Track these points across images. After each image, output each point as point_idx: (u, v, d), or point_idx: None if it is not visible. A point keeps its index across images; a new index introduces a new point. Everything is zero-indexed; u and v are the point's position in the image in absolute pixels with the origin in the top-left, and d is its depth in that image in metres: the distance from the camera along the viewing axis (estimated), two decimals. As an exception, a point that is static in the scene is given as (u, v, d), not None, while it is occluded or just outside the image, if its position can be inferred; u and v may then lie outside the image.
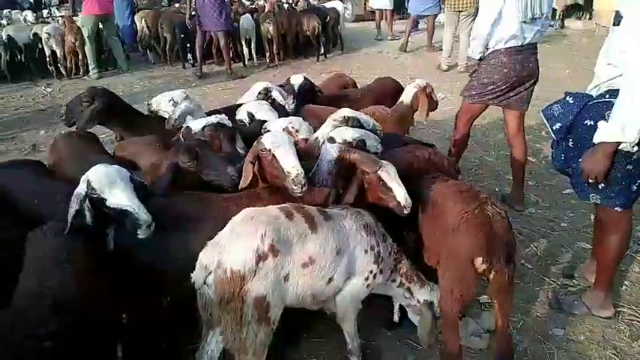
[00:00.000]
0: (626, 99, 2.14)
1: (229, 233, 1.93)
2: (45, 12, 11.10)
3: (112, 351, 1.95)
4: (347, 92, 4.70)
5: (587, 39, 11.34)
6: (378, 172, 2.24)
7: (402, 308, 2.55)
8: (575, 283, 3.08)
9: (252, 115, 3.31)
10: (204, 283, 1.88)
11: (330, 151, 2.40)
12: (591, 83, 2.56)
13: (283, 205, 2.11)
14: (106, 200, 2.01)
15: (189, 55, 9.86)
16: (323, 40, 10.16)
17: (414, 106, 3.83)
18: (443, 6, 8.81)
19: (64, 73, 8.98)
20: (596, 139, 2.26)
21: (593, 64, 2.58)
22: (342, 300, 2.23)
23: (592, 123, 2.37)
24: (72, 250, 1.95)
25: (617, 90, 2.21)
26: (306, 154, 2.52)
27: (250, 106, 3.39)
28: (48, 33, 8.42)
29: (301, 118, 3.00)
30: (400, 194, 2.23)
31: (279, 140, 2.30)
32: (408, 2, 11.79)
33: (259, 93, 3.81)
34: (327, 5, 11.40)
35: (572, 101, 2.53)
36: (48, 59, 8.82)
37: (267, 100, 3.70)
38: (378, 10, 12.43)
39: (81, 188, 2.05)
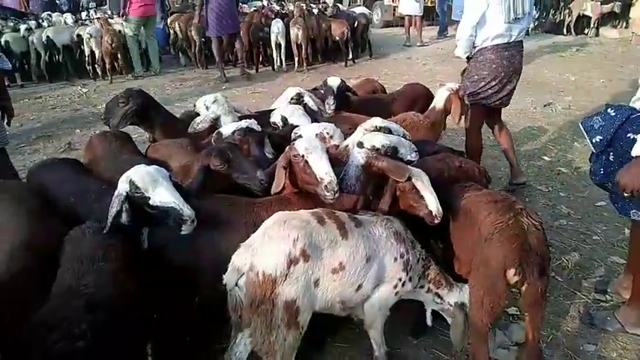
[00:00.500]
0: None
1: (262, 236, 1.96)
2: (84, 14, 11.45)
3: (142, 349, 1.99)
4: (378, 96, 4.71)
5: (623, 48, 11.05)
6: (412, 180, 2.24)
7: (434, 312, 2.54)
8: (608, 299, 3.00)
9: (286, 119, 3.34)
10: (236, 284, 1.91)
11: (358, 157, 2.40)
12: (635, 96, 2.49)
13: (315, 210, 2.13)
14: (149, 199, 2.06)
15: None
16: (351, 45, 10.19)
17: (446, 110, 3.82)
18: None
19: (99, 73, 9.24)
20: (635, 152, 2.21)
21: (628, 73, 2.55)
22: (370, 307, 2.23)
23: (635, 136, 2.30)
24: (109, 249, 2.00)
25: None
26: (336, 161, 2.53)
27: (285, 109, 3.42)
28: (89, 34, 8.72)
29: (334, 125, 2.99)
30: (432, 203, 2.23)
31: (312, 146, 2.29)
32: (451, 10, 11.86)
33: (292, 98, 3.85)
34: (357, 11, 11.44)
35: (613, 114, 2.46)
36: (87, 59, 9.11)
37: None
38: (407, 16, 12.40)
39: (122, 188, 2.09)
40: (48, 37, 8.87)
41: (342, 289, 2.04)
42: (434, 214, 2.22)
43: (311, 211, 2.12)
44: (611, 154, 2.47)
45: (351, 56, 10.28)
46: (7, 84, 4.27)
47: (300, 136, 2.75)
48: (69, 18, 10.24)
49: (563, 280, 3.19)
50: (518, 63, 3.87)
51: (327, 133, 2.86)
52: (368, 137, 2.58)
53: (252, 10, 11.18)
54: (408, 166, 2.32)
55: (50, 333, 1.55)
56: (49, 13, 10.87)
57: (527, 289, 2.09)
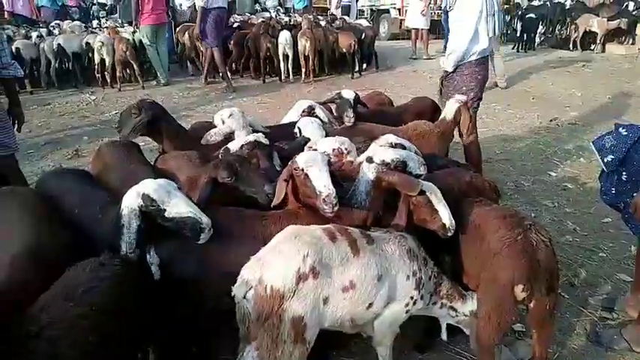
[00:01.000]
0: None
1: (272, 250, 1.96)
2: (94, 23, 11.60)
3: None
4: (386, 109, 4.74)
5: (629, 64, 11.08)
6: (427, 193, 2.24)
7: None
8: (614, 317, 2.98)
9: (301, 131, 3.35)
10: (244, 297, 1.91)
11: (368, 172, 2.39)
12: None
13: (327, 225, 2.12)
14: (164, 211, 2.06)
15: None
16: (358, 58, 10.26)
17: (456, 121, 3.85)
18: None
19: (108, 81, 9.34)
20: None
21: (634, 89, 2.58)
22: (380, 325, 2.22)
23: None
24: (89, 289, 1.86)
25: None
26: (347, 177, 2.51)
27: (301, 121, 3.41)
28: (101, 42, 8.82)
29: (349, 140, 2.94)
30: (446, 217, 2.23)
31: (312, 160, 2.30)
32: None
33: (303, 111, 3.86)
34: (363, 23, 11.53)
35: (625, 133, 2.46)
36: (96, 67, 9.20)
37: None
38: (414, 29, 12.49)
39: (133, 204, 2.08)
40: (59, 44, 8.97)
41: (353, 307, 2.03)
42: (447, 227, 2.23)
43: (323, 226, 2.11)
44: (624, 173, 2.46)
45: (357, 68, 10.34)
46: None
47: (315, 150, 2.75)
48: (79, 26, 10.37)
49: (570, 297, 3.17)
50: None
51: (345, 149, 2.80)
52: (378, 152, 2.56)
53: (259, 20, 11.30)
54: (420, 180, 2.33)
55: None
56: (58, 21, 11.01)
57: (535, 305, 2.09)
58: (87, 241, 2.39)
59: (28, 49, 8.75)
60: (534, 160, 5.60)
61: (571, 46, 13.18)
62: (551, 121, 7.04)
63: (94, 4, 15.73)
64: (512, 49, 13.40)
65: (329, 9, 17.69)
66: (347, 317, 2.05)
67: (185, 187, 2.68)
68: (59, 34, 9.70)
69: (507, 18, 13.07)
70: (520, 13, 13.49)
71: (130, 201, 2.09)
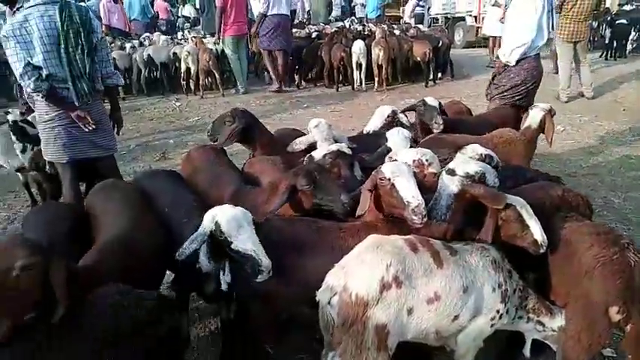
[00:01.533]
0: None
1: (356, 259, 2.00)
2: (179, 34, 12.37)
3: None
4: (465, 118, 4.65)
5: None
6: (517, 208, 2.18)
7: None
8: None
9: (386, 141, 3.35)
10: (329, 303, 1.96)
11: (450, 185, 2.34)
12: None
13: (408, 236, 2.12)
14: (231, 243, 2.10)
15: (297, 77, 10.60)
16: (433, 66, 10.12)
17: (541, 129, 3.74)
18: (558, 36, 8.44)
19: (192, 89, 9.92)
20: None
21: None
22: (464, 338, 2.17)
23: None
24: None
25: None
26: (429, 190, 2.47)
27: (390, 131, 3.40)
28: (188, 52, 9.40)
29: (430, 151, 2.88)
30: (537, 232, 2.15)
31: (399, 170, 2.28)
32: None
33: (387, 116, 3.88)
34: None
35: None
36: (182, 75, 9.82)
37: (394, 124, 3.76)
38: (491, 36, 12.10)
39: (207, 226, 2.15)
40: (149, 54, 9.69)
41: (438, 319, 2.01)
42: (539, 243, 2.15)
43: (404, 237, 2.11)
44: None
45: (432, 77, 10.21)
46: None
47: (395, 160, 2.72)
48: (166, 38, 11.12)
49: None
50: None
51: (426, 160, 2.72)
52: (460, 164, 2.49)
53: (333, 30, 11.48)
54: (506, 194, 2.27)
55: None
56: (148, 34, 11.86)
57: (632, 329, 1.98)
58: (174, 241, 2.50)
59: (122, 59, 9.50)
60: (625, 176, 5.23)
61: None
62: (644, 133, 6.55)
63: (179, 17, 16.77)
64: (600, 57, 12.59)
65: (402, 17, 17.63)
66: (432, 330, 2.04)
67: (266, 192, 2.79)
68: (149, 45, 10.44)
69: (595, 24, 12.29)
70: (609, 18, 12.63)
71: (206, 223, 2.17)
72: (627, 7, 14.03)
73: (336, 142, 3.33)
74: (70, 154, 3.61)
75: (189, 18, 16.30)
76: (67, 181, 3.73)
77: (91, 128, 3.56)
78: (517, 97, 4.64)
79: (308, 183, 2.55)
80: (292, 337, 2.85)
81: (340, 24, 13.48)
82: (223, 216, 2.14)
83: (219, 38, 9.64)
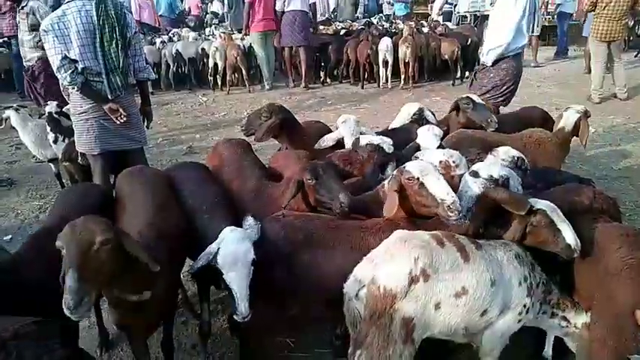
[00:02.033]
0: None
1: (384, 253, 2.01)
2: (207, 30, 12.51)
3: None
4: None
5: None
6: (548, 213, 2.15)
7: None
8: None
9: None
10: (357, 295, 1.97)
11: (473, 187, 2.30)
12: None
13: (434, 232, 2.12)
14: (223, 274, 2.14)
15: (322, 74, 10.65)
16: (461, 65, 9.99)
17: (574, 132, 3.66)
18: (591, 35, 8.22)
19: (219, 84, 10.02)
20: None
21: None
22: (491, 334, 2.16)
23: None
24: None
25: None
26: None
27: (421, 128, 3.37)
28: (216, 47, 9.51)
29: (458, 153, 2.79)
30: (570, 237, 2.12)
31: (427, 168, 2.27)
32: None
33: (414, 114, 3.85)
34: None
35: None
36: (210, 71, 9.94)
37: (420, 122, 3.72)
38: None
39: (213, 248, 2.20)
40: (177, 50, 9.84)
41: (467, 314, 2.01)
42: (572, 247, 2.12)
43: (430, 232, 2.11)
44: None
45: (459, 75, 10.07)
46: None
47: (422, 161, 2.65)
48: (194, 34, 11.26)
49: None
50: None
51: (453, 162, 2.65)
52: (484, 167, 2.45)
53: (359, 27, 11.42)
54: (531, 199, 2.23)
55: None
56: (177, 30, 12.02)
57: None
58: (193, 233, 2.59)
59: (151, 54, 9.65)
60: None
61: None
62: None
63: (207, 13, 16.93)
64: (636, 56, 12.22)
65: (430, 14, 17.41)
66: (461, 325, 2.04)
67: (283, 186, 2.82)
68: (178, 40, 10.59)
69: (631, 23, 11.92)
70: (646, 17, 12.26)
71: (214, 245, 2.20)
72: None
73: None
74: (102, 145, 3.70)
75: (218, 14, 16.43)
76: (98, 173, 3.82)
77: (122, 121, 3.64)
78: (500, 98, 4.80)
79: (311, 177, 2.56)
80: (312, 330, 2.87)
81: (366, 20, 13.41)
82: (225, 247, 2.15)
83: (246, 34, 9.70)
